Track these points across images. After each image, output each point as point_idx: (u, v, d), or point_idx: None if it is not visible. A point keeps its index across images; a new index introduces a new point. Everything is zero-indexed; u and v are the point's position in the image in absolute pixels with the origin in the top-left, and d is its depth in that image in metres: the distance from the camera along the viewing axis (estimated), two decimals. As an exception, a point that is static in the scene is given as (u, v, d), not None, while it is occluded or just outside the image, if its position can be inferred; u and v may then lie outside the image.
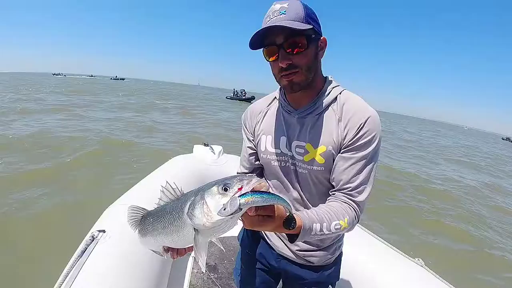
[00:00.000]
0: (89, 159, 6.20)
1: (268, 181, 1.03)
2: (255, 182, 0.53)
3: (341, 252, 1.10)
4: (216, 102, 35.63)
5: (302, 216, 0.73)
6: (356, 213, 0.81)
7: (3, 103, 14.28)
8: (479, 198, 7.76)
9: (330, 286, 1.10)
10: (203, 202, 0.54)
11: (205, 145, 3.00)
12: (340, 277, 1.13)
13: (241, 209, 0.51)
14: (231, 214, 0.50)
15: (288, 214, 0.63)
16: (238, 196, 0.51)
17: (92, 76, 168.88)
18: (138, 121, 12.78)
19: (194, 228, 0.57)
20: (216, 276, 2.02)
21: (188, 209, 0.57)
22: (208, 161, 2.77)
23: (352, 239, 1.14)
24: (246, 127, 1.06)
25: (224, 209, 0.51)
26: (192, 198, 0.58)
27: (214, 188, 0.55)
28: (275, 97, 1.01)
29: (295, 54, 0.77)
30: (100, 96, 25.23)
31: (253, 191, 0.52)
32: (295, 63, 0.78)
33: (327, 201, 0.84)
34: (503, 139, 72.55)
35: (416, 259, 1.68)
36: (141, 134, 9.71)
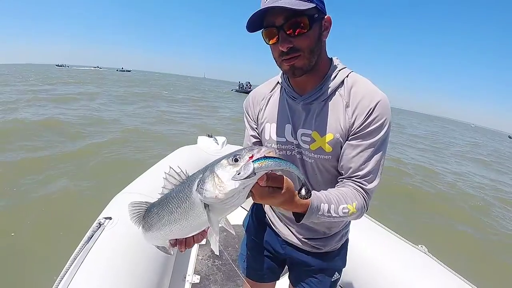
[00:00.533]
0: (99, 147, 6.30)
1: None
2: (265, 150, 0.53)
3: (347, 239, 1.09)
4: (221, 94, 35.71)
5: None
6: (365, 201, 0.78)
7: (12, 93, 14.48)
8: (486, 190, 7.83)
9: (336, 273, 1.09)
10: (214, 175, 0.53)
11: (209, 136, 3.02)
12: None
13: (255, 173, 0.50)
14: (246, 177, 0.50)
15: (302, 183, 0.61)
16: (252, 161, 0.51)
17: (98, 67, 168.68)
18: (146, 111, 12.93)
19: (204, 206, 0.55)
20: (220, 262, 2.06)
21: (198, 186, 0.55)
22: (212, 151, 2.79)
23: (355, 226, 1.15)
24: (248, 115, 1.01)
25: (239, 174, 0.50)
26: (201, 176, 0.56)
27: (224, 161, 0.54)
28: (278, 82, 0.95)
29: (296, 36, 0.71)
30: (107, 86, 25.39)
31: (265, 157, 0.52)
32: (297, 46, 0.72)
33: (336, 187, 0.82)
34: (510, 137, 71.33)
35: (419, 246, 1.68)
36: (148, 124, 9.81)
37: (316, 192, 0.74)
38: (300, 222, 0.72)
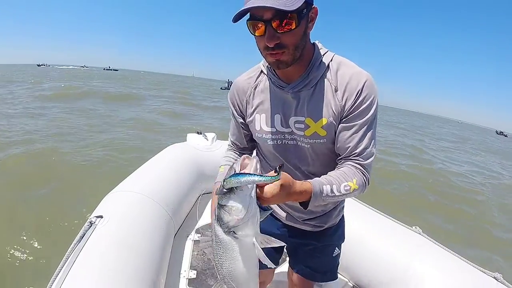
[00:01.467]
0: (89, 146, 6.19)
1: (264, 157, 1.02)
2: (238, 163, 0.66)
3: (343, 214, 1.13)
4: (210, 92, 35.62)
5: (311, 180, 0.75)
6: (365, 176, 0.81)
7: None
8: (480, 175, 8.35)
9: (336, 248, 1.14)
10: (222, 208, 0.62)
11: (198, 133, 2.98)
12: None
13: (225, 188, 0.61)
14: (222, 194, 0.62)
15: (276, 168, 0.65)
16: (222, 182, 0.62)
17: (84, 66, 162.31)
18: (137, 108, 12.84)
19: (232, 234, 0.64)
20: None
21: (221, 227, 0.64)
22: (202, 148, 2.77)
23: (351, 212, 1.18)
24: (234, 107, 0.99)
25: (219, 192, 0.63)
26: (215, 219, 0.66)
27: (219, 193, 0.63)
28: (262, 71, 0.93)
29: (283, 32, 0.70)
30: (97, 85, 24.81)
31: (231, 176, 0.60)
32: (283, 43, 0.71)
33: (336, 169, 0.85)
34: (497, 132, 73.71)
35: (414, 227, 1.74)
36: (138, 121, 9.70)
37: (316, 178, 0.78)
38: (308, 209, 0.76)
